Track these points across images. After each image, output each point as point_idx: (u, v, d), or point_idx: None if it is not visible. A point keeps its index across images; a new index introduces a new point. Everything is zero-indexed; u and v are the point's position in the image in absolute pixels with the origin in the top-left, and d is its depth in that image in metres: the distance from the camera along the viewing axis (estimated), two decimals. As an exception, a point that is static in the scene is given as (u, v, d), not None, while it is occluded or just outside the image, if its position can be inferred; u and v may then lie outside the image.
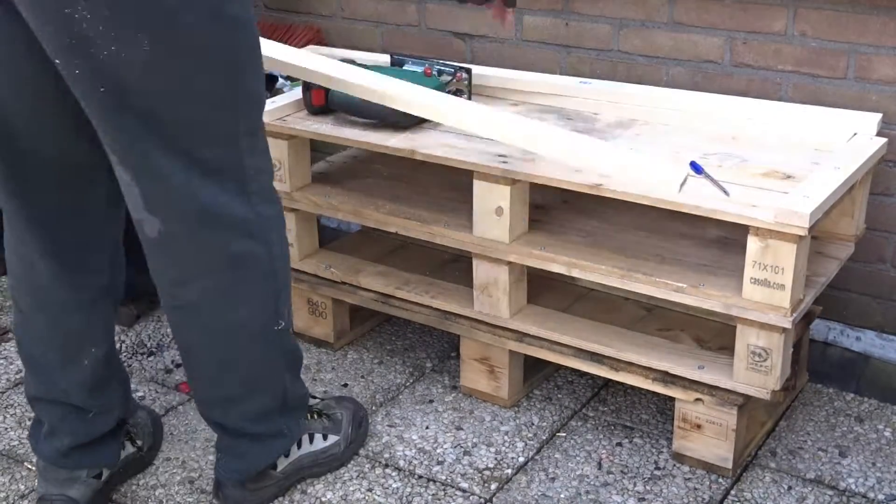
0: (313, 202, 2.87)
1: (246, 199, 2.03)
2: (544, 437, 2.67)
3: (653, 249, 2.55)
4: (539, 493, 2.46)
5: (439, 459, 2.59)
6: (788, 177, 2.40)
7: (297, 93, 2.93)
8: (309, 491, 2.47)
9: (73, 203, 2.08)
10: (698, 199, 2.30)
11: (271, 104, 2.87)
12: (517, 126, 2.39)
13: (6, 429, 2.72)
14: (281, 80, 3.17)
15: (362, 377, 2.95)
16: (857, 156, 2.43)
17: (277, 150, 2.83)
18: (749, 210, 2.24)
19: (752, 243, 2.24)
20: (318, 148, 3.19)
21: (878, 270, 2.80)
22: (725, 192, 2.31)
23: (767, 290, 2.26)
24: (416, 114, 2.51)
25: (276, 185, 2.83)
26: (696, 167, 2.42)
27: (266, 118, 2.78)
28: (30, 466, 2.57)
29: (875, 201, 2.71)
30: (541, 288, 2.79)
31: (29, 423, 2.73)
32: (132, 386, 2.89)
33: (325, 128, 2.79)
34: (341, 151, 3.20)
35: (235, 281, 2.08)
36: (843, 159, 2.41)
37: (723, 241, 2.58)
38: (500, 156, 2.54)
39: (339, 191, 2.90)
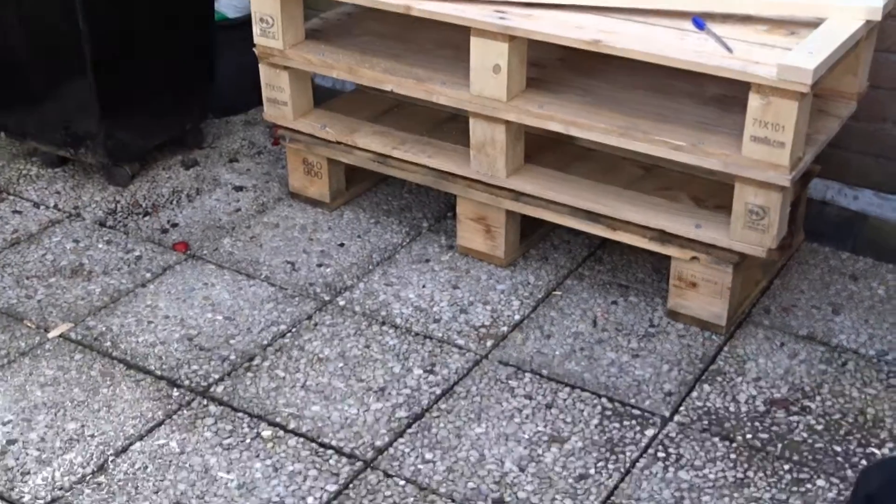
0: (307, 59, 2.81)
1: None
2: (540, 296, 2.68)
3: (652, 108, 2.51)
4: (534, 350, 2.48)
5: (436, 317, 2.60)
6: (793, 33, 2.34)
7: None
8: (307, 347, 2.49)
9: None
10: (700, 55, 2.25)
11: (263, -43, 2.78)
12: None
13: (4, 287, 2.72)
14: None
15: (359, 237, 2.94)
16: (862, 10, 2.37)
17: (269, 5, 2.76)
18: (751, 66, 2.20)
19: (754, 100, 2.21)
20: (311, 5, 3.11)
21: (879, 129, 2.77)
22: (728, 49, 2.26)
23: (767, 148, 2.24)
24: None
25: (269, 41, 2.83)
26: (698, 23, 2.36)
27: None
28: (29, 325, 2.59)
29: (879, 58, 2.66)
30: (538, 147, 2.76)
31: (27, 281, 2.73)
32: (129, 245, 2.89)
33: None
34: (335, 8, 3.12)
35: None
36: (849, 13, 2.35)
37: (723, 98, 2.54)
38: (498, 11, 2.48)
39: (333, 48, 2.84)
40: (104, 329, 2.57)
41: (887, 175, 2.80)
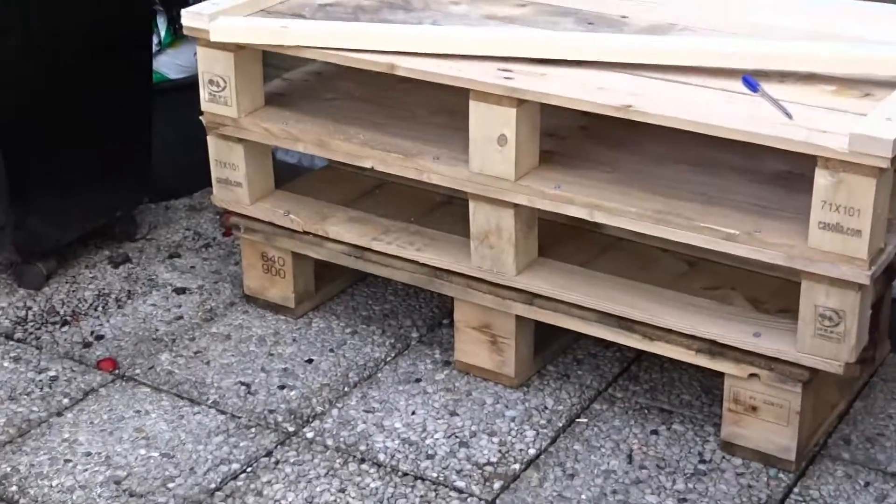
0: (267, 130, 2.88)
1: None
2: (560, 425, 2.70)
3: (696, 187, 2.57)
4: (554, 494, 2.50)
5: (429, 452, 2.63)
6: (867, 95, 2.41)
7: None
8: (266, 492, 2.52)
9: None
10: (753, 122, 2.31)
11: (213, 6, 2.87)
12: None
13: None
14: None
15: (331, 351, 2.98)
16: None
17: (221, 63, 2.85)
18: (817, 136, 2.25)
19: (821, 178, 2.26)
20: (273, 63, 3.19)
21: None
22: (787, 114, 2.33)
23: (840, 237, 2.29)
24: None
25: (220, 107, 2.89)
26: (750, 83, 2.43)
27: (209, 24, 2.79)
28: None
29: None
30: (555, 238, 2.81)
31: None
32: (43, 364, 2.92)
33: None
34: (302, 66, 3.20)
35: None
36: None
37: (784, 176, 2.60)
38: (503, 70, 2.56)
39: (299, 116, 2.91)
40: (9, 470, 2.59)
41: None
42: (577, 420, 2.72)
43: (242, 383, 2.87)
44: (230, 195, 3.02)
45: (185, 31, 2.91)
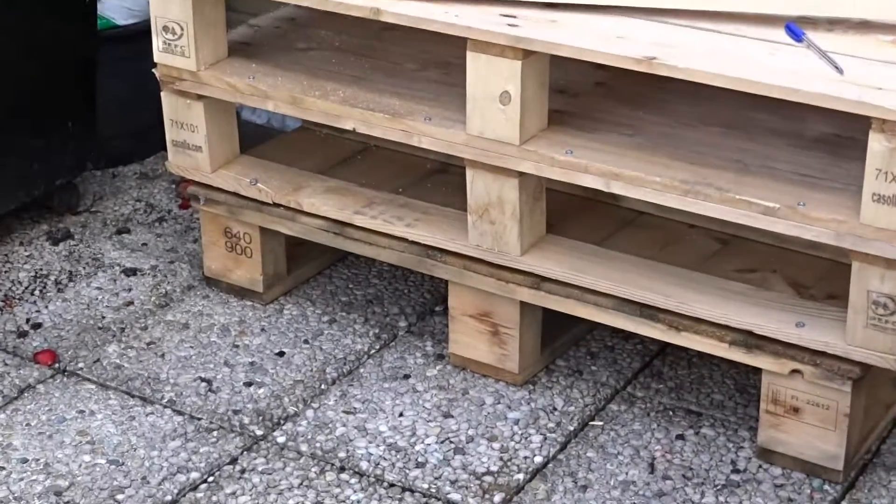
0: (231, 85, 2.86)
1: None
2: (572, 428, 2.70)
3: (730, 153, 2.55)
4: (564, 508, 2.50)
5: (419, 460, 2.61)
6: (930, 45, 2.41)
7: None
8: (230, 506, 2.51)
9: None
10: (797, 78, 2.29)
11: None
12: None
13: None
14: None
15: (306, 342, 2.97)
16: None
17: (177, 7, 2.82)
18: (871, 94, 2.24)
19: (876, 143, 2.25)
20: (237, 6, 3.17)
21: None
22: (837, 68, 2.31)
23: (897, 212, 2.28)
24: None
25: (176, 59, 2.87)
26: (794, 32, 2.42)
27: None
28: None
29: None
30: (567, 211, 2.80)
31: None
32: (-31, 356, 2.90)
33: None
34: (272, 11, 3.18)
35: None
36: None
37: (833, 140, 2.59)
38: (506, 16, 2.54)
39: (269, 69, 2.89)
40: (-69, 480, 2.59)
41: None
42: (591, 423, 2.71)
43: (203, 379, 2.86)
44: (188, 161, 3.00)
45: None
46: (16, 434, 2.69)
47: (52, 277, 3.22)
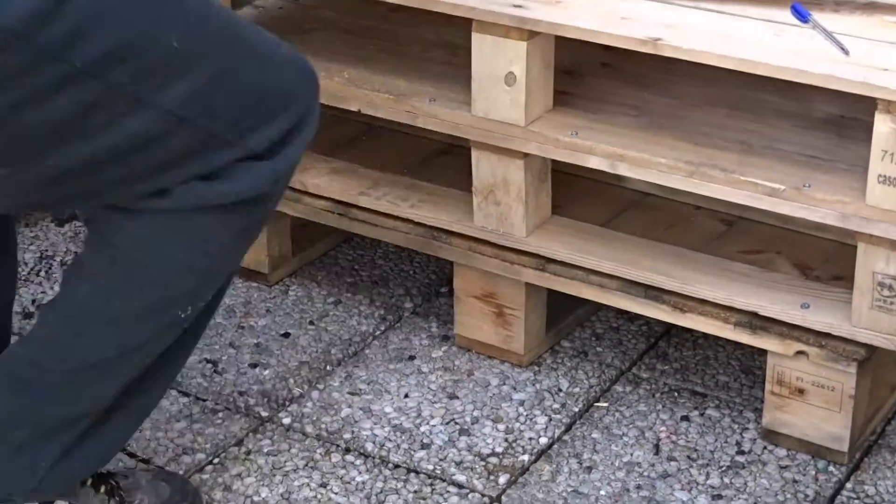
0: (236, 67, 2.87)
1: None
2: (577, 409, 2.70)
3: (735, 134, 2.55)
4: (569, 489, 2.50)
5: (424, 441, 2.62)
6: (936, 26, 2.41)
7: None
8: (235, 487, 2.51)
9: None
10: (802, 59, 2.29)
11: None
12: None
13: None
14: None
15: (311, 324, 2.97)
16: None
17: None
18: (876, 75, 2.24)
19: (881, 124, 2.24)
20: (243, -13, 3.17)
21: None
22: (843, 49, 2.31)
23: (903, 193, 2.28)
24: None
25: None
26: (800, 12, 2.41)
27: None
28: None
29: None
30: (572, 192, 2.81)
31: None
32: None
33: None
34: (277, -8, 3.19)
35: None
36: None
37: (838, 121, 2.59)
38: (511, -4, 2.55)
39: (274, 50, 2.90)
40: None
41: None
42: (596, 404, 2.72)
43: (208, 361, 2.86)
44: (193, 142, 3.00)
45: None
46: None
47: (58, 258, 3.22)
